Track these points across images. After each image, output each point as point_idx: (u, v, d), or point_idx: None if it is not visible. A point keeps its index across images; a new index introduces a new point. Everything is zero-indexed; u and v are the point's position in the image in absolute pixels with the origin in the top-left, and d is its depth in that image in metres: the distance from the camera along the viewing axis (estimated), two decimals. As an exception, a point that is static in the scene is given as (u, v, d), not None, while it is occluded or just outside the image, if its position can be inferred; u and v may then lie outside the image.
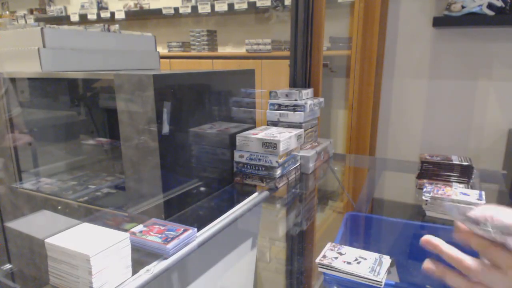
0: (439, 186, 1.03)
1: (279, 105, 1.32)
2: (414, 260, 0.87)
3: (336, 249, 0.75)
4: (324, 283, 0.72)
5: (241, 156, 1.10)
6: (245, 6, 3.09)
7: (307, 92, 1.38)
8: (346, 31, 2.60)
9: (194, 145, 1.00)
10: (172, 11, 3.46)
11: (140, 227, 0.76)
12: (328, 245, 0.76)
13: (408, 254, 0.89)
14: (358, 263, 0.70)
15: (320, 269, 0.70)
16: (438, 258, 0.51)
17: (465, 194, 0.97)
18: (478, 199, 0.94)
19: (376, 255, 0.72)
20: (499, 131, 2.00)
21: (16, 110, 1.18)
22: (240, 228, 1.05)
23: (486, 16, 1.82)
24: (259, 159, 1.07)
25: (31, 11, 4.58)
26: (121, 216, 0.98)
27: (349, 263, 0.70)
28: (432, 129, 2.15)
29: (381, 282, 0.65)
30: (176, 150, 0.93)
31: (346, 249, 0.74)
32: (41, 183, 1.23)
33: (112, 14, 3.83)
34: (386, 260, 0.71)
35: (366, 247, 0.76)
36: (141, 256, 0.70)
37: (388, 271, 0.69)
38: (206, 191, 1.05)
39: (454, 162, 1.10)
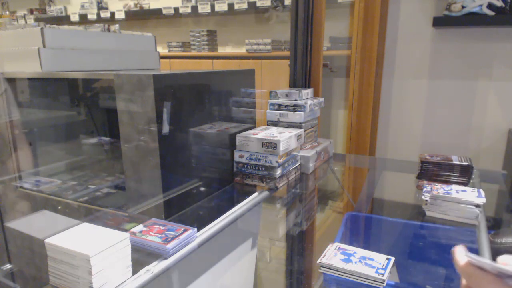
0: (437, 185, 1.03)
1: (279, 105, 1.32)
2: (414, 260, 0.87)
3: (337, 249, 0.75)
4: (324, 283, 0.72)
5: (241, 156, 1.10)
6: (245, 6, 3.09)
7: (307, 92, 1.38)
8: (346, 31, 2.60)
9: (194, 145, 1.00)
10: (172, 11, 3.46)
11: (140, 227, 0.76)
12: (330, 245, 0.76)
13: (408, 254, 0.89)
14: (361, 263, 0.70)
15: (321, 270, 0.70)
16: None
17: (464, 191, 0.97)
18: (477, 197, 0.94)
19: (378, 255, 0.72)
20: (499, 131, 2.00)
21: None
22: (240, 228, 1.05)
23: (486, 16, 1.82)
24: (259, 159, 1.07)
25: (31, 11, 4.58)
26: (121, 216, 0.98)
27: (351, 263, 0.70)
28: (432, 129, 2.15)
29: (384, 280, 0.65)
30: (176, 150, 0.93)
31: (347, 248, 0.74)
32: (41, 183, 1.23)
33: (112, 14, 3.83)
34: (390, 260, 0.71)
35: (366, 247, 0.76)
36: (141, 256, 0.70)
37: (389, 271, 0.69)
38: (206, 191, 1.05)
39: (454, 162, 1.10)
